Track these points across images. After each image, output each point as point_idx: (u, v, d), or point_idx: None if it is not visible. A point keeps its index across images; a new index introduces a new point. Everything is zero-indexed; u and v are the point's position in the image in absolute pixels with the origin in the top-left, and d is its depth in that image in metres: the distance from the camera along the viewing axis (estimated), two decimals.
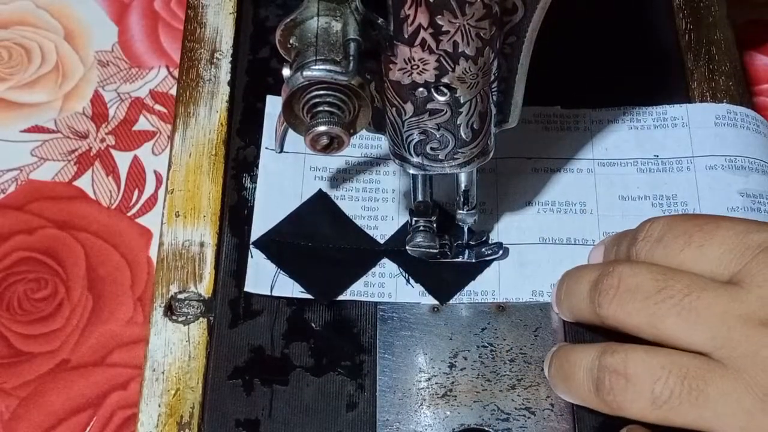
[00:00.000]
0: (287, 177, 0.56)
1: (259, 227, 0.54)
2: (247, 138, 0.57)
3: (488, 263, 0.53)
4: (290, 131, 0.46)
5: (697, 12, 0.61)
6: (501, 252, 0.53)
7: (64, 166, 0.61)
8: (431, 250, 0.51)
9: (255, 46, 0.60)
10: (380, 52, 0.43)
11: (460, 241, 0.53)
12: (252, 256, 0.53)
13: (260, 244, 0.53)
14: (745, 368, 0.38)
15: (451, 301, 0.52)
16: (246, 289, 0.52)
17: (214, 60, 0.60)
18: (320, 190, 0.55)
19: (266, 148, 0.56)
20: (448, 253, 0.53)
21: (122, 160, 0.61)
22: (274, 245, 0.53)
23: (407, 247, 0.52)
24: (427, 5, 0.40)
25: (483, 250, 0.53)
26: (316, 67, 0.42)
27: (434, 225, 0.51)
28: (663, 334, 0.41)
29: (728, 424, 0.39)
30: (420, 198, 0.50)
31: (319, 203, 0.55)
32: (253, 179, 0.55)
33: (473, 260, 0.53)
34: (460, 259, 0.53)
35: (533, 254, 0.53)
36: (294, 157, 0.56)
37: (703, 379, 0.39)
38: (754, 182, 0.54)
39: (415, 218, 0.51)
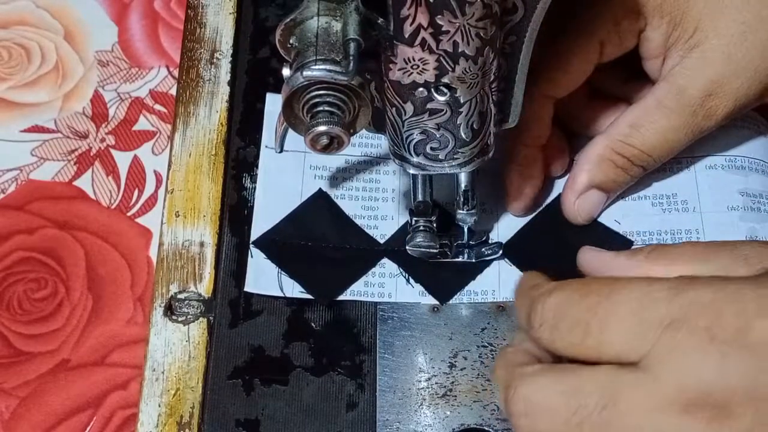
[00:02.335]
0: (287, 175, 0.55)
1: (259, 226, 0.54)
2: (247, 138, 0.57)
3: (488, 263, 0.53)
4: (290, 131, 0.46)
5: None
6: (501, 252, 0.53)
7: (64, 166, 0.61)
8: (431, 250, 0.51)
9: (255, 46, 0.60)
10: (380, 52, 0.43)
11: (460, 241, 0.53)
12: (252, 256, 0.53)
13: (260, 243, 0.53)
14: None
15: (451, 301, 0.52)
16: (246, 289, 0.52)
17: (214, 60, 0.60)
18: (320, 189, 0.55)
19: (266, 146, 0.56)
20: (448, 253, 0.53)
21: (122, 160, 0.61)
22: (274, 245, 0.53)
23: (407, 247, 0.52)
24: (427, 5, 0.40)
25: (483, 250, 0.53)
26: (316, 67, 0.42)
27: (434, 225, 0.51)
28: None
29: None
30: (420, 198, 0.50)
31: (319, 202, 0.55)
32: (253, 179, 0.55)
33: (473, 260, 0.53)
34: (460, 259, 0.53)
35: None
36: (294, 155, 0.56)
37: None
38: (754, 182, 0.54)
39: (415, 218, 0.51)
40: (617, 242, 0.53)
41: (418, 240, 0.51)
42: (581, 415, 0.38)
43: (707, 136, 0.53)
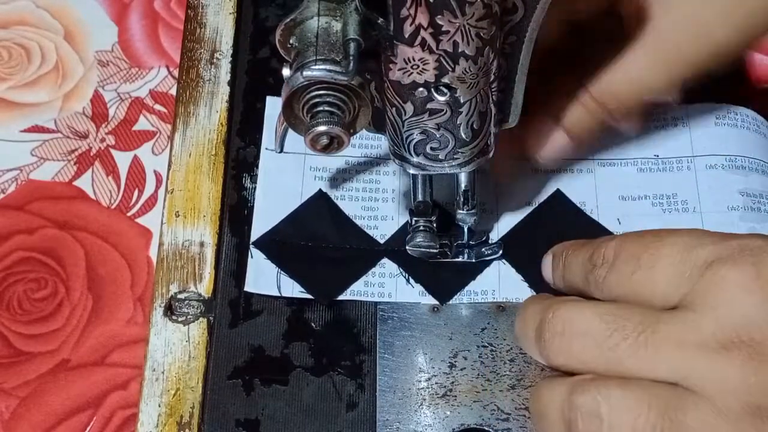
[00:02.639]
0: (287, 177, 0.56)
1: (259, 227, 0.54)
2: (247, 138, 0.57)
3: (488, 263, 0.53)
4: (290, 132, 0.46)
5: None
6: (501, 252, 0.53)
7: (64, 166, 0.61)
8: (431, 250, 0.51)
9: (255, 46, 0.60)
10: (380, 52, 0.43)
11: (460, 241, 0.53)
12: (252, 257, 0.53)
13: (260, 244, 0.53)
14: (714, 395, 0.37)
15: (451, 301, 0.52)
16: (246, 289, 0.52)
17: (214, 60, 0.60)
18: (320, 190, 0.55)
19: (266, 148, 0.56)
20: (448, 253, 0.53)
21: (122, 160, 0.62)
22: (275, 245, 0.53)
23: (407, 247, 0.52)
24: (427, 5, 0.40)
25: (483, 250, 0.53)
26: (316, 67, 0.42)
27: (434, 225, 0.51)
28: (625, 375, 0.39)
29: None
30: (420, 198, 0.50)
31: (319, 203, 0.55)
32: (253, 179, 0.55)
33: (473, 260, 0.53)
34: (460, 259, 0.53)
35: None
36: (294, 157, 0.56)
37: (681, 410, 0.38)
38: (754, 182, 0.54)
39: (415, 218, 0.51)
40: None
41: (418, 240, 0.51)
42: (617, 339, 0.38)
43: (707, 135, 0.53)
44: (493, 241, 0.53)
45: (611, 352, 0.39)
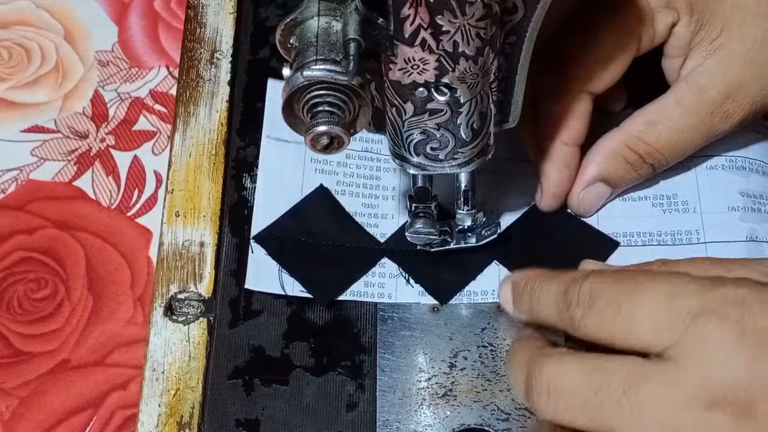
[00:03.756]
0: (288, 168, 0.55)
1: (259, 221, 0.54)
2: (247, 138, 0.57)
3: (488, 263, 0.53)
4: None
5: None
6: (499, 231, 0.52)
7: (64, 166, 0.61)
8: (431, 236, 0.51)
9: (255, 46, 0.60)
10: (380, 52, 0.43)
11: (461, 226, 0.52)
12: (252, 251, 0.53)
13: (260, 238, 0.53)
14: None
15: (451, 301, 0.52)
16: (246, 286, 0.52)
17: (214, 60, 0.60)
18: (321, 185, 0.55)
19: (267, 136, 0.56)
20: (449, 240, 0.52)
21: (122, 160, 0.61)
22: (275, 240, 0.53)
23: (407, 233, 0.51)
24: (427, 5, 0.40)
25: (482, 232, 0.52)
26: (317, 67, 0.42)
27: (434, 212, 0.51)
28: (612, 431, 0.38)
29: None
30: (419, 183, 0.50)
31: (320, 198, 0.55)
32: (253, 179, 0.55)
33: (475, 244, 0.52)
34: (462, 245, 0.52)
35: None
36: (294, 147, 0.56)
37: None
38: (755, 182, 0.54)
39: (414, 204, 0.51)
40: (603, 242, 0.53)
41: (417, 226, 0.50)
42: (602, 396, 0.38)
43: None
44: (492, 222, 0.53)
45: (597, 409, 0.38)
